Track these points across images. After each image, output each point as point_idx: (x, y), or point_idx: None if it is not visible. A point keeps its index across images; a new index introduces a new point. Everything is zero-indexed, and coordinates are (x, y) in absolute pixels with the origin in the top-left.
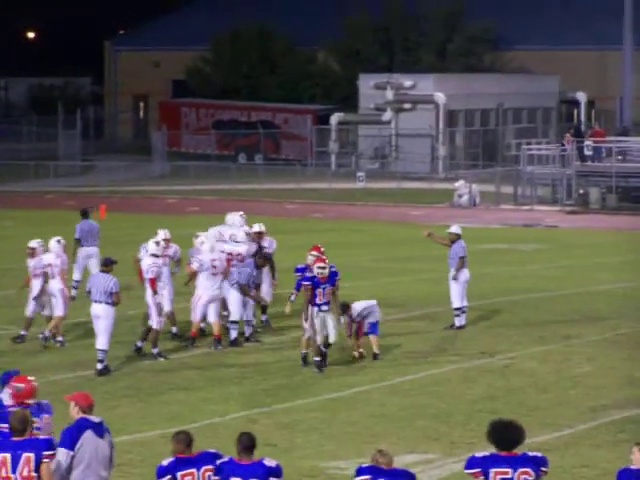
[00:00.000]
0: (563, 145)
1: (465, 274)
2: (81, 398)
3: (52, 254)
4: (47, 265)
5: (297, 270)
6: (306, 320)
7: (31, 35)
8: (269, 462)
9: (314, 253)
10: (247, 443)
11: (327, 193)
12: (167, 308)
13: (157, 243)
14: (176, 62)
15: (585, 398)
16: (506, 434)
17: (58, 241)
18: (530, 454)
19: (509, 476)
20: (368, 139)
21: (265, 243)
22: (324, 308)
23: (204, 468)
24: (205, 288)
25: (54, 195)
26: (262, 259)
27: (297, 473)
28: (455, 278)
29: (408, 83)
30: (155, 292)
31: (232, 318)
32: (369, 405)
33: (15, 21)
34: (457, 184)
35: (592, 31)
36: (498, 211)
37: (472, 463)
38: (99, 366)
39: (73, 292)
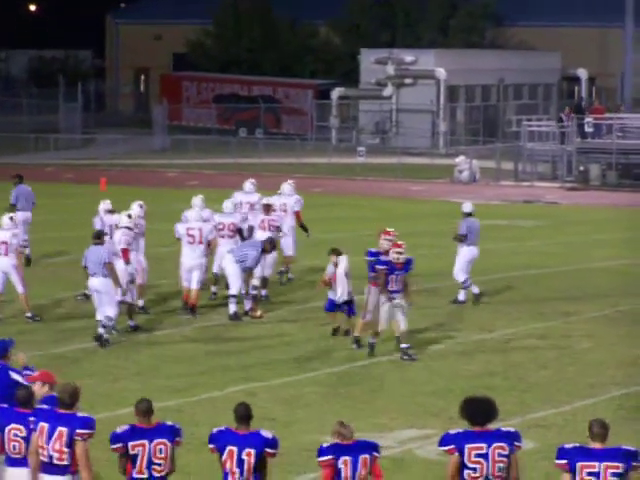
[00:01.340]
0: (561, 119)
1: (467, 251)
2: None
3: (6, 231)
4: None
5: (369, 254)
6: (369, 306)
7: (32, 7)
8: (265, 433)
9: (388, 237)
10: (243, 413)
11: (327, 168)
12: (139, 281)
13: (129, 216)
14: (177, 35)
15: (584, 374)
16: (479, 410)
17: (11, 218)
18: (503, 429)
19: (484, 451)
20: (369, 114)
21: (288, 200)
22: (395, 296)
23: (157, 441)
24: (184, 256)
25: (54, 168)
26: (270, 244)
27: (297, 447)
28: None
29: (409, 58)
30: (128, 263)
31: (231, 292)
32: (369, 380)
33: None
34: (457, 160)
35: (594, 8)
36: (498, 187)
37: (446, 440)
38: (100, 331)
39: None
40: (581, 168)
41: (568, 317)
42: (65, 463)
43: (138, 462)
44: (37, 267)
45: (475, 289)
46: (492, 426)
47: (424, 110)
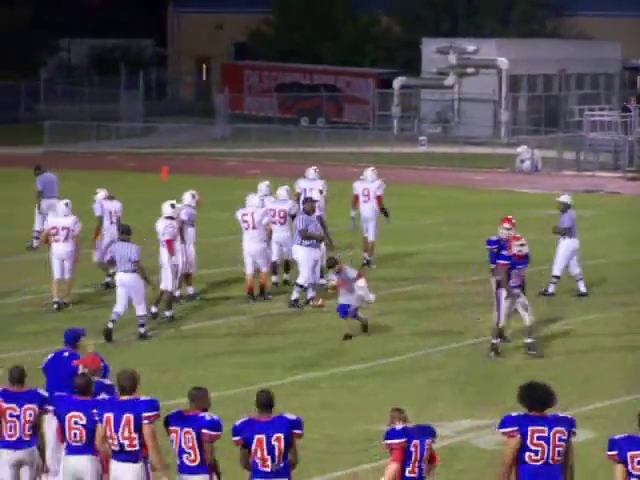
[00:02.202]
0: (625, 106)
1: (569, 243)
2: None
3: (68, 218)
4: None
5: (489, 242)
6: (502, 299)
7: None
8: (289, 415)
9: (506, 226)
10: (264, 401)
11: (389, 157)
12: (188, 270)
13: (172, 205)
14: (238, 24)
15: None
16: (538, 395)
17: (66, 204)
18: (560, 415)
19: (545, 434)
20: (430, 103)
21: (371, 186)
22: (516, 291)
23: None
24: (244, 241)
25: (116, 156)
26: (310, 203)
27: (353, 436)
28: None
29: (471, 48)
30: (172, 254)
31: (299, 281)
32: (427, 369)
33: None
34: (519, 149)
35: None
36: (560, 177)
37: (508, 422)
38: (141, 330)
39: (35, 243)
40: None
41: (627, 307)
42: (136, 449)
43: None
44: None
45: (581, 286)
46: (549, 412)
47: (486, 99)
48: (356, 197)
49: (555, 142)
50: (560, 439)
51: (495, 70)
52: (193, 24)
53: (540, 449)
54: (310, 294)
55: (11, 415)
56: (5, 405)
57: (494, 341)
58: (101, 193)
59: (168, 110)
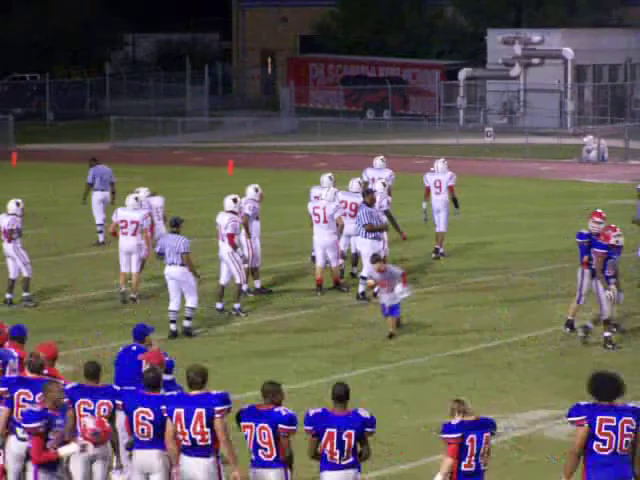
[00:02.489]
0: None
1: None
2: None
3: (138, 212)
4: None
5: (580, 236)
6: (600, 291)
7: None
8: (364, 413)
9: (597, 219)
10: (340, 393)
11: (455, 148)
12: (252, 264)
13: (234, 200)
14: (303, 17)
15: None
16: (607, 385)
17: (136, 198)
18: (630, 405)
19: (613, 424)
20: (496, 94)
21: (442, 177)
22: (612, 281)
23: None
24: (314, 234)
25: (182, 151)
26: (370, 195)
27: (421, 429)
28: None
29: (536, 38)
30: (235, 248)
31: (363, 274)
32: (496, 361)
33: None
34: (585, 139)
35: None
36: (627, 166)
37: (576, 411)
38: (186, 323)
39: (100, 237)
40: None
41: None
42: (208, 443)
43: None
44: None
45: None
46: (619, 402)
47: (552, 90)
48: (428, 189)
49: (621, 131)
50: (628, 429)
51: (560, 60)
52: (258, 18)
53: (608, 438)
54: (361, 288)
55: (85, 410)
56: (80, 400)
57: (607, 334)
58: (143, 191)
59: (234, 104)
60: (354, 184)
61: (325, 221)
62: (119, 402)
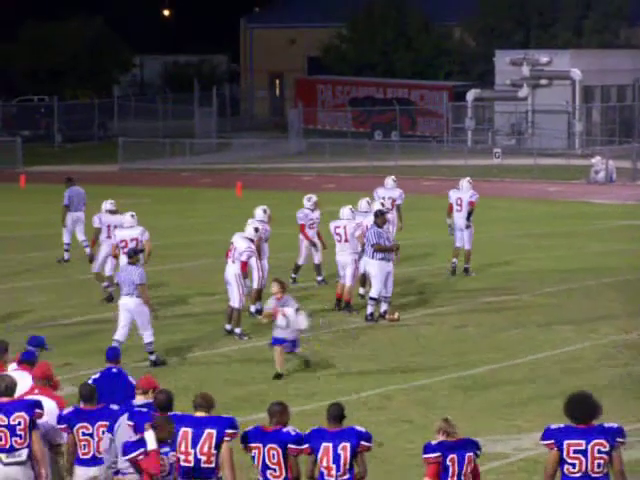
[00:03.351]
0: None
1: None
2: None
3: (130, 230)
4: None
5: None
6: None
7: (166, 13)
8: (359, 427)
9: None
10: (335, 413)
11: (463, 170)
12: (257, 286)
13: (256, 230)
14: (311, 39)
15: None
16: (581, 407)
17: (132, 215)
18: (606, 425)
19: (582, 447)
20: (504, 115)
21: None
22: None
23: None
24: (336, 254)
25: (190, 173)
26: (381, 217)
27: None
28: None
29: (544, 59)
30: (245, 276)
31: (372, 294)
32: (505, 383)
33: None
34: (594, 160)
35: None
36: (635, 187)
37: (546, 435)
38: (152, 357)
39: (66, 255)
40: None
41: None
42: (212, 466)
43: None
44: (171, 269)
45: None
46: (597, 422)
47: (560, 111)
48: (450, 206)
49: (629, 152)
50: (600, 451)
51: (568, 81)
52: (266, 39)
53: (577, 462)
54: (384, 307)
55: (84, 434)
56: (78, 424)
57: None
58: (105, 205)
59: (242, 126)
60: (363, 203)
61: (346, 240)
62: (131, 423)
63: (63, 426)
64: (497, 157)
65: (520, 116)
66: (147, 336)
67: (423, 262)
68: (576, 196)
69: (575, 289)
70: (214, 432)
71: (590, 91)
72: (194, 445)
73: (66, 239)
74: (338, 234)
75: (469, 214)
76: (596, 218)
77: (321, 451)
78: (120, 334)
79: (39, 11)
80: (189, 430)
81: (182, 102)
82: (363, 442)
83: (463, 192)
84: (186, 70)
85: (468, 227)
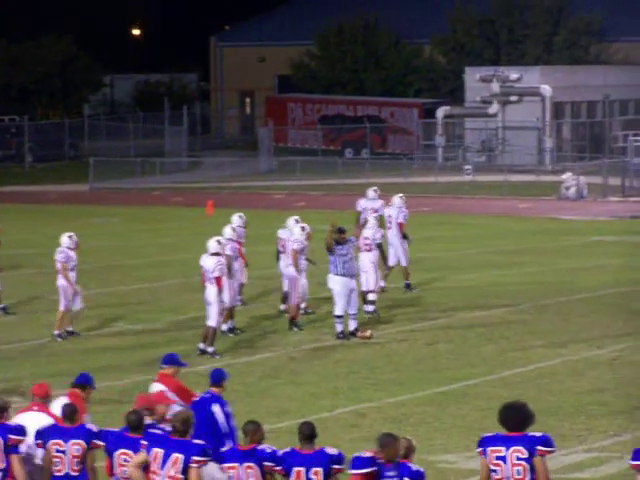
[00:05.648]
0: None
1: None
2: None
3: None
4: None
5: None
6: None
7: (136, 32)
8: (330, 450)
9: None
10: (307, 432)
11: (434, 187)
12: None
13: (218, 242)
14: (281, 57)
15: None
16: (510, 416)
17: (70, 237)
18: (530, 434)
19: (502, 454)
20: (475, 132)
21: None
22: None
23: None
24: (359, 260)
25: (161, 192)
26: (341, 234)
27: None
28: None
29: (514, 76)
30: (221, 291)
31: (336, 312)
32: (478, 399)
33: (120, 18)
34: (564, 176)
35: None
36: (606, 203)
37: (479, 442)
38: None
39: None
40: None
41: None
42: None
43: None
44: (140, 288)
45: None
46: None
47: (530, 127)
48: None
49: (600, 168)
50: (518, 458)
51: (539, 97)
52: (235, 58)
53: (499, 468)
54: (353, 325)
55: (57, 450)
56: (51, 441)
57: None
58: (64, 239)
59: (212, 144)
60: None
61: (371, 249)
62: (100, 443)
63: (39, 442)
64: (468, 174)
65: (490, 133)
66: None
67: (393, 279)
68: (547, 212)
69: (547, 305)
70: (181, 457)
71: (560, 107)
72: (162, 467)
73: None
74: (367, 244)
75: (404, 235)
76: (567, 234)
77: (293, 475)
78: None
79: (9, 31)
80: (160, 451)
81: (153, 121)
82: (335, 465)
83: (393, 208)
84: (156, 89)
85: (408, 243)
